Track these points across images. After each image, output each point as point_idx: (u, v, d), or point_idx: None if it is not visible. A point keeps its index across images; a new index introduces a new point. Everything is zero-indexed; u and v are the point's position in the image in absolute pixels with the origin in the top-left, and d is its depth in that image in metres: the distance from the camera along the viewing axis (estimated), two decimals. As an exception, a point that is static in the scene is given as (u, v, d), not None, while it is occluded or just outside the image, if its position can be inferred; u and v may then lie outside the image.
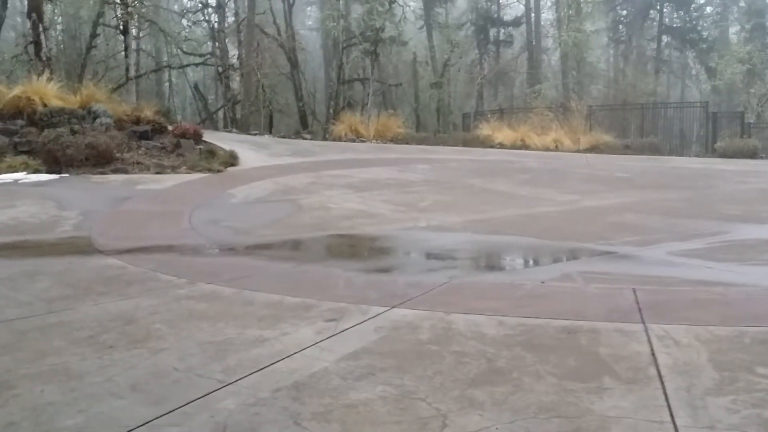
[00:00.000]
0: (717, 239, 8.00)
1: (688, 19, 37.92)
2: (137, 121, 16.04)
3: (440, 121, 33.57)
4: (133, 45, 28.68)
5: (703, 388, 3.51)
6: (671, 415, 3.19)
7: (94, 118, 15.45)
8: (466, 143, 23.22)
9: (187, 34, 32.64)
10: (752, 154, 20.93)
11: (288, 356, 4.00)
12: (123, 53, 27.21)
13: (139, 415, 3.21)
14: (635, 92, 30.98)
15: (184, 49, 31.47)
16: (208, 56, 31.97)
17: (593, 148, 22.41)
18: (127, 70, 26.08)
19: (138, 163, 14.05)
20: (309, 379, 3.65)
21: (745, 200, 11.53)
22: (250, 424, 3.14)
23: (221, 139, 18.07)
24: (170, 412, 3.25)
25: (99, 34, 28.21)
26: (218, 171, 14.40)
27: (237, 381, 3.63)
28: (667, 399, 3.37)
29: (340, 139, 23.65)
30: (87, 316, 4.85)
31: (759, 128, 26.12)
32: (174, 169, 14.05)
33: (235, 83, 31.70)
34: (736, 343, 4.22)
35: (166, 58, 33.28)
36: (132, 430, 3.08)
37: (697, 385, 3.54)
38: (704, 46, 36.59)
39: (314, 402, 3.36)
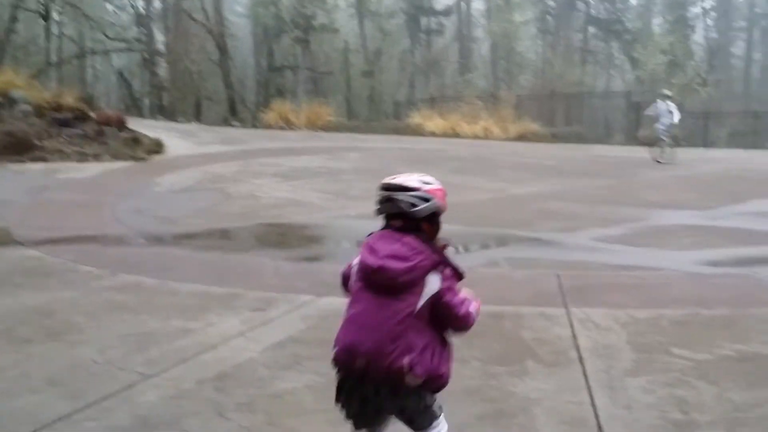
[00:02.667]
0: (638, 225, 8.24)
1: (613, 10, 38.81)
2: (58, 108, 15.50)
3: (372, 109, 33.58)
4: (55, 30, 27.71)
5: (622, 370, 3.62)
6: (590, 396, 3.28)
7: (12, 105, 14.89)
8: (398, 132, 23.29)
9: (111, 19, 31.69)
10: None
11: (213, 347, 3.94)
12: (44, 38, 26.25)
13: (57, 410, 3.11)
14: (562, 82, 31.51)
15: (108, 35, 30.53)
16: (134, 42, 31.14)
17: (521, 137, 22.75)
18: (48, 55, 25.18)
19: (59, 151, 13.57)
20: (234, 370, 3.61)
21: (664, 187, 11.91)
22: (173, 416, 3.08)
23: (147, 127, 17.63)
24: (89, 406, 3.16)
25: (19, 19, 27.12)
26: (143, 159, 14.06)
27: (159, 373, 3.55)
28: (587, 380, 3.46)
29: (270, 127, 23.41)
30: (3, 309, 4.68)
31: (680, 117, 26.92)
32: (97, 158, 13.64)
33: (162, 70, 30.98)
34: (654, 325, 4.36)
35: (89, 44, 32.24)
36: (49, 425, 2.99)
37: (615, 367, 3.65)
38: (628, 37, 37.52)
39: (239, 392, 3.32)
